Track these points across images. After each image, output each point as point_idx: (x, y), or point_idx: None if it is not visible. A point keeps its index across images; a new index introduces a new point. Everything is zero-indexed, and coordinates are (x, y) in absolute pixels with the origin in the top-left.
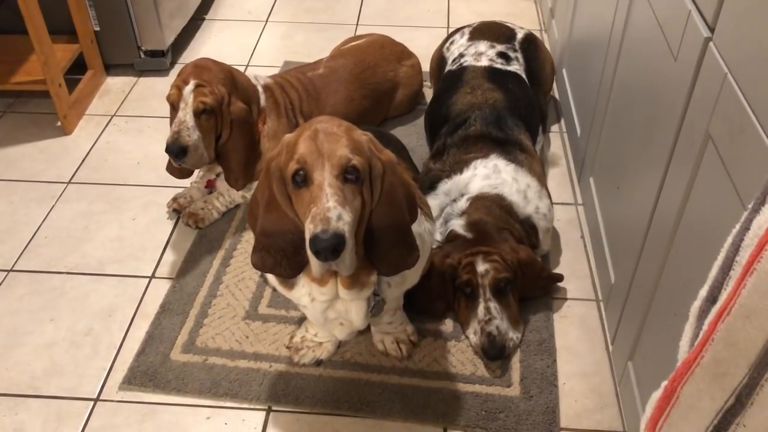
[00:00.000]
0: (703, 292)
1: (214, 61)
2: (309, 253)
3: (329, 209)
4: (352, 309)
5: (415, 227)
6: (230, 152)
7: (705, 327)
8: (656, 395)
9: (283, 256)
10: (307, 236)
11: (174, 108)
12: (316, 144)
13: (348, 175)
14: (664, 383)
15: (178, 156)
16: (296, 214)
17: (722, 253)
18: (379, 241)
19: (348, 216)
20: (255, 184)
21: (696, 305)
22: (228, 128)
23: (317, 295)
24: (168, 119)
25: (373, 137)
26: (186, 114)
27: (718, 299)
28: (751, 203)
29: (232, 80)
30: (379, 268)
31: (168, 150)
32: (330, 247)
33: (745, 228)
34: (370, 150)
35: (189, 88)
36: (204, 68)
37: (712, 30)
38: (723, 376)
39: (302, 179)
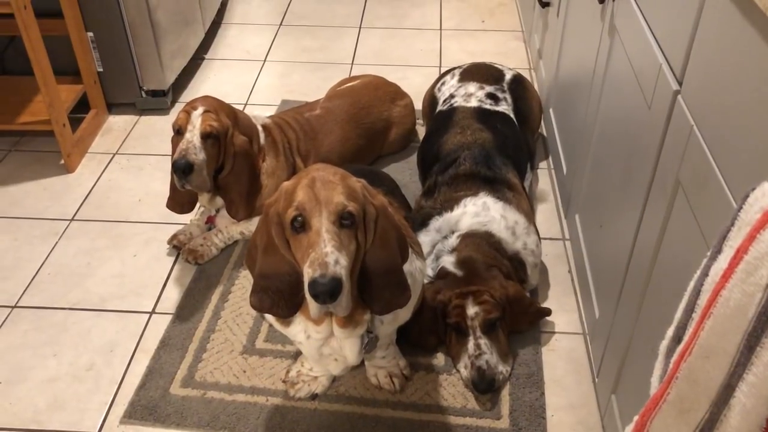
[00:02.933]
0: (670, 332)
1: (217, 98)
2: (307, 295)
3: (327, 254)
4: (346, 346)
5: (407, 266)
6: (232, 184)
7: (671, 365)
8: (629, 429)
9: (280, 297)
10: (306, 280)
11: (180, 132)
12: (313, 191)
13: (344, 221)
14: (636, 418)
15: (185, 172)
16: (293, 257)
17: (685, 296)
18: (372, 282)
19: (344, 260)
20: (255, 219)
21: (664, 344)
22: (230, 160)
23: (312, 333)
24: (169, 156)
25: (367, 183)
26: (194, 135)
27: (683, 339)
28: (710, 251)
29: (235, 116)
30: (373, 307)
31: (175, 165)
32: (328, 291)
33: (705, 274)
34: (364, 196)
35: (197, 113)
36: (211, 101)
37: (680, 83)
38: (687, 411)
39: (300, 225)
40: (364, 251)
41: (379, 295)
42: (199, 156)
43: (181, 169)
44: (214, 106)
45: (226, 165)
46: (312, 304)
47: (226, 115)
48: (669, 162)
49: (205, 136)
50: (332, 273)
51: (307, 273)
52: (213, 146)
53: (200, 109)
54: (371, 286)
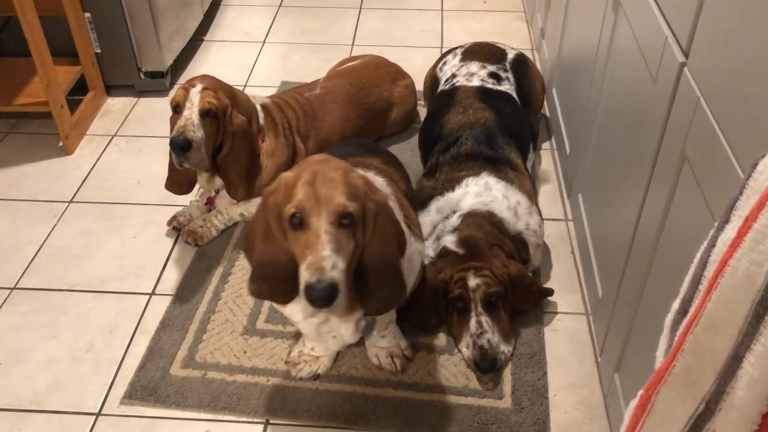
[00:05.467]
0: (676, 305)
1: (215, 77)
2: (302, 298)
3: (324, 258)
4: (342, 327)
5: (407, 248)
6: (231, 164)
7: (677, 338)
8: (633, 403)
9: (278, 284)
10: (302, 283)
11: (178, 110)
12: (313, 189)
13: (343, 221)
14: (640, 392)
15: (183, 149)
16: (291, 248)
17: (692, 268)
18: (369, 279)
19: (342, 263)
20: (254, 200)
21: (669, 317)
22: (229, 140)
23: (309, 316)
24: (167, 138)
25: (368, 178)
26: (192, 113)
27: (689, 311)
28: (717, 222)
29: (234, 96)
30: (368, 306)
31: (173, 142)
32: (324, 297)
33: (711, 245)
34: (364, 193)
35: (196, 90)
36: (210, 79)
37: (686, 55)
38: (693, 384)
39: (299, 222)
40: (362, 247)
41: (377, 293)
42: (197, 133)
43: (179, 145)
44: (213, 84)
45: (224, 145)
46: (307, 307)
47: (224, 93)
48: (675, 136)
49: (204, 114)
50: (329, 279)
51: (304, 276)
52: (212, 125)
53: (199, 87)
54: (368, 283)
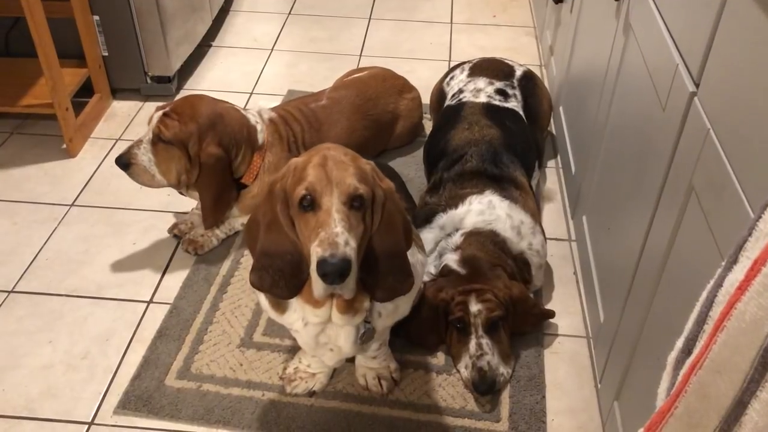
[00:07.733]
0: (679, 343)
1: (209, 100)
2: (314, 275)
3: (338, 234)
4: (341, 335)
5: (409, 257)
6: (200, 191)
7: (680, 378)
8: None
9: (281, 277)
10: (315, 259)
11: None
12: (325, 171)
13: (354, 203)
14: (640, 431)
15: (123, 169)
16: (297, 236)
17: (697, 307)
18: (376, 267)
19: (354, 242)
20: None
21: (672, 355)
22: (196, 169)
23: (311, 317)
24: None
25: (375, 166)
26: (146, 136)
27: (693, 352)
28: (725, 261)
29: (213, 123)
30: (375, 293)
31: (115, 160)
32: (338, 271)
33: (719, 285)
34: (373, 178)
35: (157, 114)
36: (189, 104)
37: (697, 85)
38: (695, 427)
39: (309, 204)
40: (370, 235)
41: (383, 281)
42: (141, 157)
43: (119, 165)
44: (185, 110)
45: (192, 171)
46: (318, 285)
47: (195, 122)
48: (683, 166)
49: (156, 139)
50: (342, 253)
51: (316, 252)
52: (166, 150)
53: (161, 112)
54: (375, 270)
